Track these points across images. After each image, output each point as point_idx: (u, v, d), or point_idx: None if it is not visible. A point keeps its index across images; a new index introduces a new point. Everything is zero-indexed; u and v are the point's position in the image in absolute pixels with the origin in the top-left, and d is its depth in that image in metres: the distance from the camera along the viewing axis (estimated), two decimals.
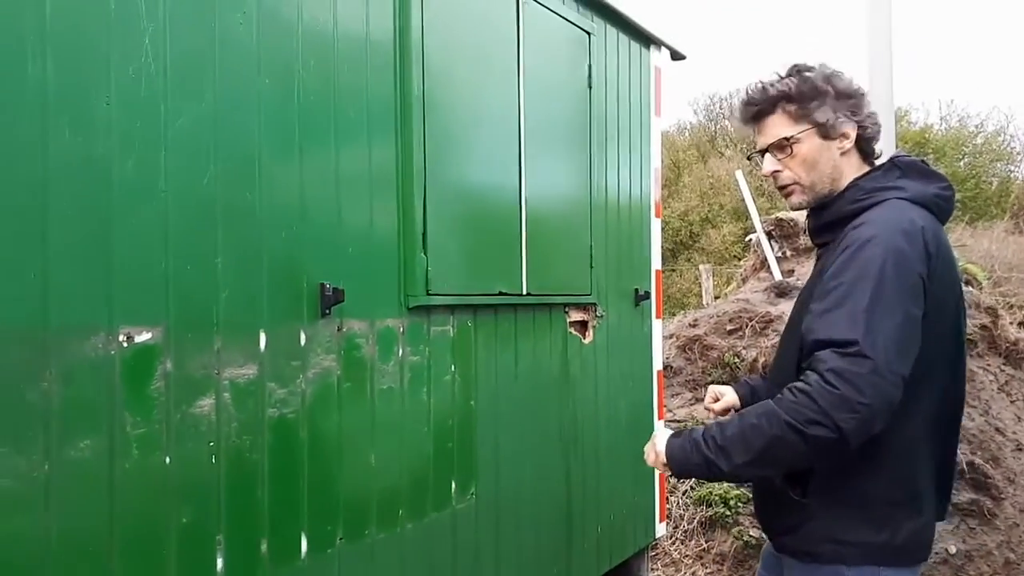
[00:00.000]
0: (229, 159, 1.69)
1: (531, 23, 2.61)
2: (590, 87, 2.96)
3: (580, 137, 2.94)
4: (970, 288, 5.71)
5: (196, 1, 1.63)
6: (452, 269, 2.30)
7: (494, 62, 2.50)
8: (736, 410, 1.85)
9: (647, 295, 3.40)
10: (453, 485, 2.35)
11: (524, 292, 2.60)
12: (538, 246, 2.65)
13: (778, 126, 1.53)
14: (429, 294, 2.21)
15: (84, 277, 1.45)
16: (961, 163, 14.98)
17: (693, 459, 1.42)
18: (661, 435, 1.52)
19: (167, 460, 1.58)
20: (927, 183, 1.49)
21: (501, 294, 2.50)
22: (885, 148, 4.32)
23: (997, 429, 4.73)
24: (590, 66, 2.95)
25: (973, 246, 8.61)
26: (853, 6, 20.31)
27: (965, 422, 4.53)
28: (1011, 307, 7.11)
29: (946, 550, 4.01)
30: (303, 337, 1.86)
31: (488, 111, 2.48)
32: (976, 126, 15.94)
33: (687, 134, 17.51)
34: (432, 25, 2.19)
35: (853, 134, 1.51)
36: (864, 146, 1.55)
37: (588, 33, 2.94)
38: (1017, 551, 4.17)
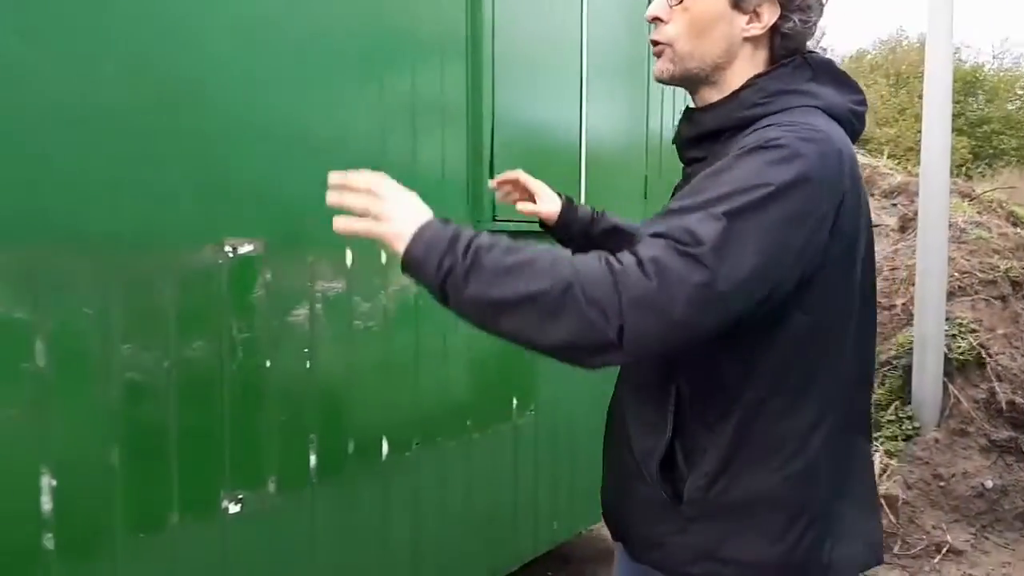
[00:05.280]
0: (320, 86, 1.80)
1: None
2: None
3: (638, 73, 2.98)
4: (1019, 229, 5.66)
5: None
6: None
7: None
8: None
9: None
10: (515, 401, 2.50)
11: None
12: (596, 178, 2.73)
13: None
14: (495, 220, 2.31)
15: (195, 193, 1.58)
16: (1012, 105, 14.52)
17: (435, 254, 0.99)
18: (404, 195, 1.06)
19: (267, 363, 1.73)
20: (841, 91, 1.15)
21: None
22: (942, 88, 4.18)
23: None
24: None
25: (1021, 188, 8.46)
26: None
27: (1007, 362, 4.57)
28: None
29: (982, 484, 4.10)
30: (384, 255, 1.98)
31: (553, 44, 2.54)
32: None
33: None
34: None
35: (769, 20, 1.13)
36: (777, 45, 1.15)
37: None
38: None
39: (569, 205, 1.55)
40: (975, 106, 13.94)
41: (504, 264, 0.97)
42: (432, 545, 2.21)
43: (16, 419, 1.34)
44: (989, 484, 4.16)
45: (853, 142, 1.13)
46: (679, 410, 1.12)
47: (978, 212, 5.43)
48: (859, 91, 1.17)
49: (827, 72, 1.15)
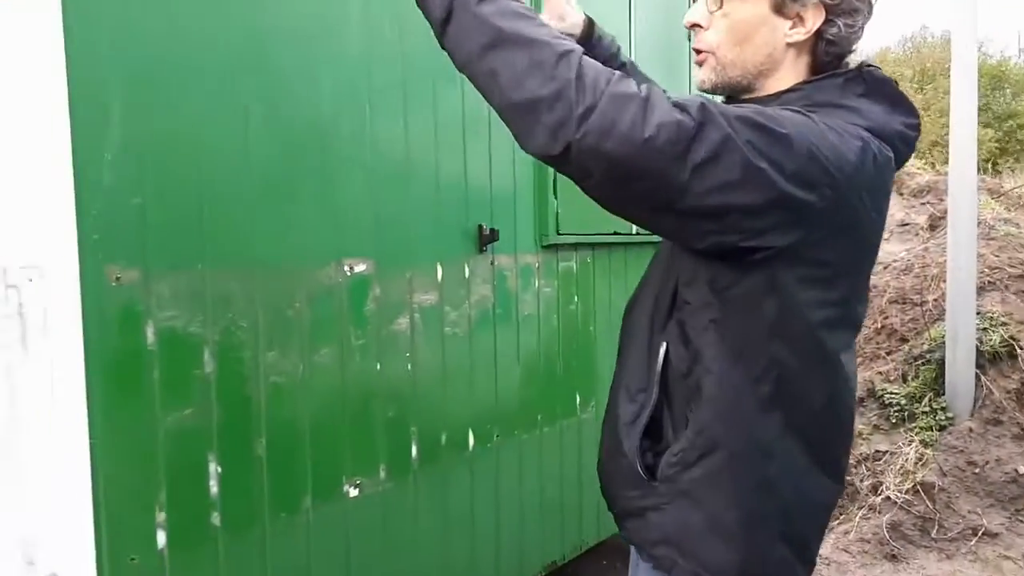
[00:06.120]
0: (414, 127, 2.07)
1: None
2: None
3: (681, 72, 3.22)
4: None
5: None
6: (577, 212, 2.65)
7: None
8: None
9: None
10: (578, 398, 2.75)
11: (634, 232, 2.93)
12: None
13: None
14: (559, 234, 2.57)
15: (321, 222, 1.85)
16: None
17: None
18: None
19: (378, 366, 2.00)
20: (892, 113, 1.08)
21: (615, 233, 2.85)
22: (966, 84, 4.30)
23: None
24: None
25: None
26: None
27: None
28: None
29: (1016, 470, 4.27)
30: (467, 270, 2.25)
31: None
32: None
33: None
34: None
35: (813, 24, 1.08)
36: (821, 51, 1.11)
37: None
38: None
39: (591, 30, 1.42)
40: (1002, 101, 13.94)
41: (520, 11, 0.98)
42: (512, 527, 2.46)
43: (190, 416, 1.61)
44: (1022, 470, 4.33)
45: (897, 167, 1.09)
46: (665, 380, 1.10)
47: (1006, 208, 5.58)
48: (914, 115, 1.11)
49: (881, 91, 1.09)
